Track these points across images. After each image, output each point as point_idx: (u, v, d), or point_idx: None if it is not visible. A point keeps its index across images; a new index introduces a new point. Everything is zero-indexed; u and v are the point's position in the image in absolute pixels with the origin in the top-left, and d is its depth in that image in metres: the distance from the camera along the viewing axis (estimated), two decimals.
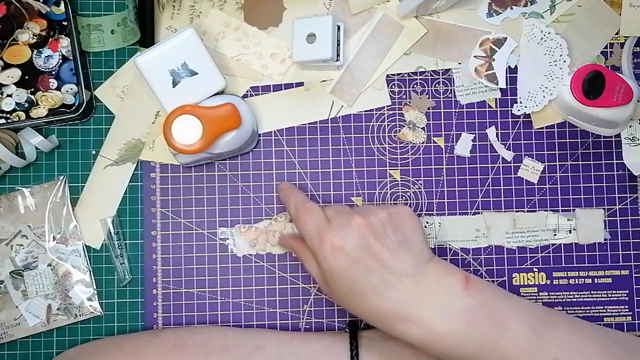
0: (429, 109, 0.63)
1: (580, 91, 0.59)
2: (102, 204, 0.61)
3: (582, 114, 0.60)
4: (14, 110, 0.58)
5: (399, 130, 0.62)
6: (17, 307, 0.60)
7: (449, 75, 0.63)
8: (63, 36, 0.59)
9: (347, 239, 0.50)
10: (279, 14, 0.63)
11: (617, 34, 0.63)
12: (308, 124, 0.62)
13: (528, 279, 0.62)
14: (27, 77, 0.58)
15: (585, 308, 0.62)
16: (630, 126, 0.63)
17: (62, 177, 0.61)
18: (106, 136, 0.61)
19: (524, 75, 0.62)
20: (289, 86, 0.62)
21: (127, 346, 0.56)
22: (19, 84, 0.58)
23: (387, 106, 0.62)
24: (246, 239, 0.61)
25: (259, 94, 0.62)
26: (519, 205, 0.62)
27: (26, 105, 0.58)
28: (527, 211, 0.62)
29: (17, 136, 0.60)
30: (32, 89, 0.58)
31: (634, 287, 0.62)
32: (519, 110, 0.62)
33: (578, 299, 0.62)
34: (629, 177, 0.63)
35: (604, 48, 0.63)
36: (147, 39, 0.60)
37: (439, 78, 0.63)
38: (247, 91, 0.62)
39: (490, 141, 0.62)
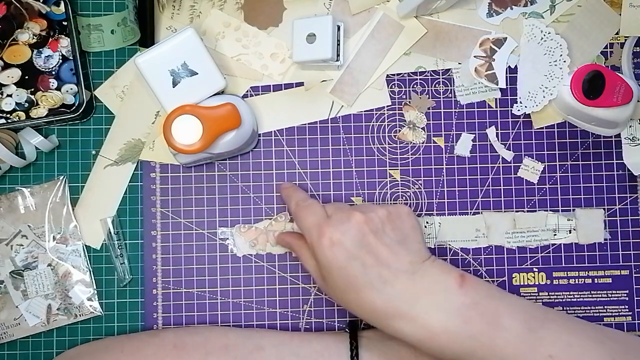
0: (429, 109, 0.63)
1: (580, 91, 0.59)
2: (102, 204, 0.61)
3: (582, 114, 0.60)
4: (14, 110, 0.58)
5: (399, 130, 0.62)
6: (17, 307, 0.60)
7: (449, 75, 0.63)
8: (63, 36, 0.59)
9: (346, 234, 0.51)
10: (279, 14, 0.63)
11: (617, 34, 0.63)
12: (308, 124, 0.62)
13: (528, 279, 0.62)
14: (27, 77, 0.58)
15: (585, 308, 0.62)
16: (630, 126, 0.63)
17: (62, 177, 0.61)
18: (106, 136, 0.61)
19: (524, 75, 0.62)
20: (289, 86, 0.62)
21: (127, 346, 0.56)
22: (19, 84, 0.58)
23: (387, 106, 0.62)
24: (246, 239, 0.61)
25: (259, 94, 0.62)
26: (519, 205, 0.62)
27: (26, 105, 0.58)
28: (527, 211, 0.62)
29: (17, 136, 0.60)
30: (32, 89, 0.58)
31: (634, 287, 0.62)
32: (519, 110, 0.62)
33: (578, 299, 0.62)
34: (629, 177, 0.63)
35: (604, 48, 0.63)
36: (147, 39, 0.60)
37: (439, 78, 0.63)
38: (247, 91, 0.62)
39: (490, 141, 0.63)
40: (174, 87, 0.57)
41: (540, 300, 0.62)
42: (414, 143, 0.62)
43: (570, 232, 0.62)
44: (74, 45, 0.59)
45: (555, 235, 0.62)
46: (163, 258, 0.61)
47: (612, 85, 0.59)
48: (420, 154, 0.62)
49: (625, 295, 0.62)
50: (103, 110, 0.62)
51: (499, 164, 0.62)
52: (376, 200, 0.62)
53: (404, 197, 0.62)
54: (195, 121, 0.54)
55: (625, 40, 0.63)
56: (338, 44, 0.60)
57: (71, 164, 0.61)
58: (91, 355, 0.57)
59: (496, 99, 0.63)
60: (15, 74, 0.58)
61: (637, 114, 0.62)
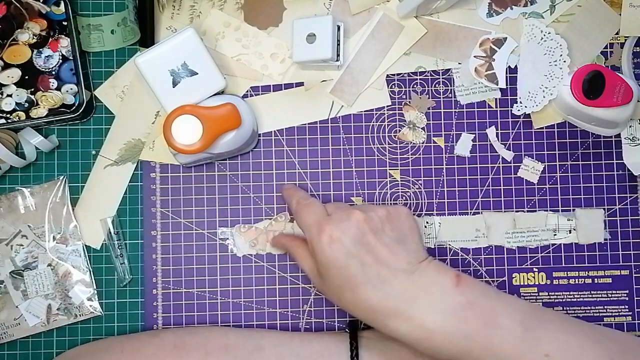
0: (429, 109, 0.63)
1: (580, 91, 0.59)
2: (102, 204, 0.61)
3: (582, 114, 0.60)
4: (14, 110, 0.58)
5: (399, 130, 0.62)
6: (17, 307, 0.60)
7: (449, 75, 0.63)
8: (63, 36, 0.59)
9: (346, 232, 0.51)
10: (279, 14, 0.63)
11: (617, 34, 0.63)
12: (308, 124, 0.62)
13: (528, 279, 0.62)
14: (27, 77, 0.58)
15: (585, 308, 0.62)
16: (630, 126, 0.63)
17: (62, 177, 0.61)
18: (106, 136, 0.61)
19: (524, 75, 0.62)
20: (289, 86, 0.62)
21: (127, 347, 0.56)
22: (19, 84, 0.58)
23: (387, 106, 0.62)
24: (246, 239, 0.61)
25: (259, 94, 0.62)
26: (519, 205, 0.62)
27: (26, 105, 0.58)
28: (527, 211, 0.62)
29: (17, 136, 0.60)
30: (32, 89, 0.58)
31: (634, 287, 0.62)
32: (519, 110, 0.62)
33: (578, 299, 0.62)
34: (629, 177, 0.63)
35: (604, 48, 0.63)
36: (147, 39, 0.60)
37: (439, 78, 0.63)
38: (247, 91, 0.62)
39: (490, 141, 0.63)
40: (174, 87, 0.57)
41: (540, 300, 0.62)
42: (414, 143, 0.62)
43: (570, 232, 0.62)
44: (74, 45, 0.59)
45: (555, 235, 0.62)
46: (163, 258, 0.61)
47: (612, 85, 0.59)
48: (420, 154, 0.62)
49: (625, 295, 0.62)
50: (103, 110, 0.62)
51: (499, 164, 0.62)
52: (376, 200, 0.62)
53: (404, 197, 0.62)
54: (195, 121, 0.54)
55: (625, 40, 0.63)
56: (338, 44, 0.60)
57: (71, 164, 0.61)
58: (91, 356, 0.57)
59: (496, 99, 0.63)
60: (15, 74, 0.58)
61: (637, 114, 0.62)
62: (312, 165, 0.62)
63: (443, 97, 0.63)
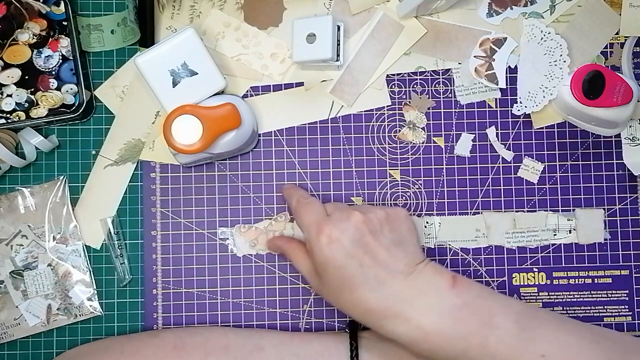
0: (429, 109, 0.63)
1: (580, 91, 0.59)
2: (102, 204, 0.61)
3: (582, 114, 0.60)
4: (14, 110, 0.58)
5: (399, 130, 0.62)
6: (17, 307, 0.60)
7: (449, 75, 0.63)
8: (63, 36, 0.59)
9: (345, 233, 0.51)
10: (279, 14, 0.63)
11: (617, 34, 0.63)
12: (308, 124, 0.62)
13: (528, 279, 0.62)
14: (27, 77, 0.58)
15: (585, 308, 0.62)
16: (630, 126, 0.63)
17: (62, 177, 0.61)
18: (106, 136, 0.61)
19: (524, 75, 0.62)
20: (289, 86, 0.62)
21: (127, 347, 0.56)
22: (19, 84, 0.58)
23: (387, 106, 0.62)
24: (246, 239, 0.61)
25: (259, 94, 0.62)
26: (519, 205, 0.62)
27: (26, 105, 0.58)
28: (527, 211, 0.62)
29: (17, 136, 0.60)
30: (32, 89, 0.58)
31: (634, 287, 0.62)
32: (519, 110, 0.62)
33: (578, 299, 0.62)
34: (629, 177, 0.63)
35: (604, 48, 0.63)
36: (147, 39, 0.60)
37: (439, 78, 0.63)
38: (247, 91, 0.62)
39: (490, 141, 0.63)
40: (174, 87, 0.57)
41: (540, 300, 0.62)
42: (414, 143, 0.62)
43: (570, 232, 0.62)
44: (74, 45, 0.59)
45: (555, 235, 0.62)
46: (163, 258, 0.61)
47: (612, 85, 0.59)
48: (420, 154, 0.62)
49: (625, 295, 0.62)
50: (103, 110, 0.62)
51: (499, 164, 0.62)
52: (376, 201, 0.62)
53: (404, 197, 0.62)
54: (195, 121, 0.54)
55: (625, 40, 0.63)
56: (338, 44, 0.60)
57: (71, 164, 0.61)
58: (91, 356, 0.57)
59: (496, 99, 0.63)
60: (15, 74, 0.58)
61: (637, 114, 0.62)
62: (312, 165, 0.62)
63: (443, 97, 0.63)
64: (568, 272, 0.62)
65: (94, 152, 0.61)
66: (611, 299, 0.62)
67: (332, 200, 0.62)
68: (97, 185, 0.61)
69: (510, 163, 0.62)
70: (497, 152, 0.62)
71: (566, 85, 0.60)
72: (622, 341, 0.53)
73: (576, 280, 0.62)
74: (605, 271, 0.62)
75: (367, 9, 0.62)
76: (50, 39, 0.58)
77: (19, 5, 0.58)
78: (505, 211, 0.62)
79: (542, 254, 0.62)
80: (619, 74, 0.60)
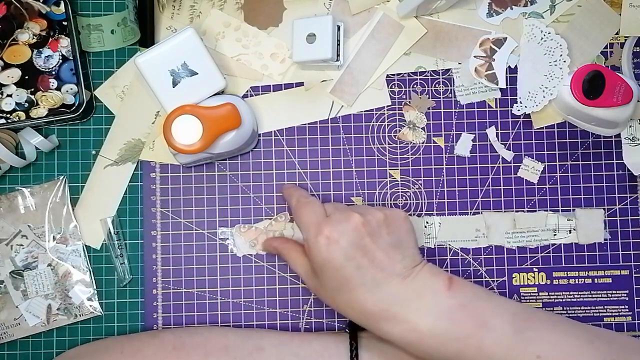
0: (429, 109, 0.63)
1: (580, 91, 0.59)
2: (102, 204, 0.61)
3: (582, 114, 0.60)
4: (14, 110, 0.58)
5: (399, 130, 0.62)
6: (17, 307, 0.60)
7: (449, 75, 0.63)
8: (63, 36, 0.59)
9: (344, 234, 0.51)
10: (279, 14, 0.63)
11: (617, 34, 0.63)
12: (308, 124, 0.62)
13: (528, 279, 0.62)
14: (27, 77, 0.58)
15: (585, 308, 0.62)
16: (630, 126, 0.63)
17: (62, 177, 0.61)
18: (106, 136, 0.61)
19: (524, 75, 0.62)
20: (289, 86, 0.62)
21: (127, 347, 0.56)
22: (19, 84, 0.58)
23: (387, 106, 0.62)
24: (246, 239, 0.61)
25: (259, 94, 0.62)
26: (519, 205, 0.62)
27: (26, 105, 0.58)
28: (527, 211, 0.62)
29: (17, 136, 0.60)
30: (32, 89, 0.58)
31: (634, 287, 0.62)
32: (519, 110, 0.62)
33: (578, 299, 0.62)
34: (629, 177, 0.63)
35: (604, 48, 0.63)
36: (147, 39, 0.60)
37: (439, 78, 0.63)
38: (247, 91, 0.62)
39: (490, 141, 0.62)
40: (174, 87, 0.57)
41: (540, 300, 0.62)
42: (414, 143, 0.62)
43: (570, 232, 0.62)
44: (74, 45, 0.59)
45: (555, 235, 0.62)
46: (163, 258, 0.61)
47: (612, 85, 0.59)
48: (420, 154, 0.62)
49: (625, 295, 0.62)
50: (103, 110, 0.62)
51: (499, 164, 0.62)
52: (376, 201, 0.62)
53: (404, 197, 0.62)
54: (195, 121, 0.54)
55: (625, 40, 0.63)
56: (338, 44, 0.60)
57: (71, 164, 0.61)
58: (91, 356, 0.57)
59: (496, 99, 0.63)
60: (15, 74, 0.58)
61: (637, 114, 0.62)
62: (312, 165, 0.62)
63: (443, 97, 0.63)
64: (568, 272, 0.62)
65: (94, 152, 0.61)
66: (611, 299, 0.62)
67: (332, 200, 0.62)
68: (97, 185, 0.61)
69: (510, 163, 0.62)
70: (497, 152, 0.62)
71: (566, 85, 0.60)
72: (618, 341, 0.53)
73: (576, 280, 0.62)
74: (605, 271, 0.62)
75: (367, 9, 0.62)
76: (50, 39, 0.58)
77: (19, 5, 0.58)
78: (505, 211, 0.62)
79: (542, 254, 0.62)
80: (619, 74, 0.60)
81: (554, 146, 0.63)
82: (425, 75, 0.63)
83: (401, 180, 0.62)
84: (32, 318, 0.60)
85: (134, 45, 0.61)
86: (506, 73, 0.62)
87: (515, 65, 0.63)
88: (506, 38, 0.63)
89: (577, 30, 0.63)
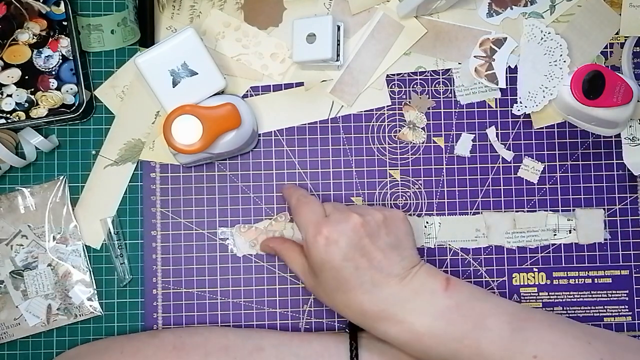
0: (429, 109, 0.63)
1: (580, 91, 0.59)
2: (102, 204, 0.61)
3: (582, 114, 0.60)
4: (14, 110, 0.58)
5: (399, 130, 0.62)
6: (17, 307, 0.60)
7: (449, 75, 0.63)
8: (63, 36, 0.59)
9: (343, 235, 0.51)
10: (279, 14, 0.63)
11: (617, 34, 0.63)
12: (308, 124, 0.62)
13: (528, 279, 0.62)
14: (27, 77, 0.58)
15: (585, 308, 0.62)
16: (630, 126, 0.63)
17: (62, 177, 0.61)
18: (106, 136, 0.61)
19: (524, 75, 0.62)
20: (289, 86, 0.62)
21: (127, 347, 0.56)
22: (19, 84, 0.58)
23: (387, 106, 0.62)
24: (246, 239, 0.61)
25: (259, 94, 0.62)
26: (519, 205, 0.62)
27: (26, 105, 0.58)
28: (527, 211, 0.62)
29: (17, 136, 0.60)
30: (32, 89, 0.58)
31: (634, 287, 0.62)
32: (519, 110, 0.62)
33: (578, 299, 0.62)
34: (629, 177, 0.63)
35: (604, 48, 0.63)
36: (147, 39, 0.60)
37: (439, 78, 0.63)
38: (247, 91, 0.62)
39: (490, 141, 0.62)
40: (174, 87, 0.57)
41: (540, 300, 0.62)
42: (414, 143, 0.62)
43: (570, 232, 0.62)
44: (74, 45, 0.59)
45: (555, 235, 0.62)
46: (163, 258, 0.61)
47: (612, 85, 0.59)
48: (420, 154, 0.62)
49: (625, 295, 0.62)
50: (103, 110, 0.62)
51: (499, 164, 0.62)
52: (376, 201, 0.62)
53: (404, 197, 0.62)
54: (195, 121, 0.54)
55: (625, 40, 0.63)
56: (338, 44, 0.60)
57: (71, 164, 0.61)
58: (91, 356, 0.57)
59: (496, 99, 0.63)
60: (15, 74, 0.58)
61: (637, 114, 0.62)
62: (312, 165, 0.62)
63: (443, 97, 0.63)
64: (568, 272, 0.62)
65: (94, 152, 0.61)
66: (611, 299, 0.62)
67: (332, 200, 0.62)
68: (97, 185, 0.61)
69: (510, 163, 0.62)
70: (497, 152, 0.62)
71: (566, 85, 0.60)
72: (616, 341, 0.53)
73: (576, 280, 0.62)
74: (605, 271, 0.62)
75: (367, 9, 0.62)
76: (50, 39, 0.58)
77: (19, 5, 0.58)
78: (505, 211, 0.62)
79: (542, 254, 0.62)
80: (619, 74, 0.60)
81: (554, 146, 0.63)
82: (425, 75, 0.63)
83: (401, 180, 0.62)
84: (32, 318, 0.60)
85: (134, 45, 0.61)
86: (506, 73, 0.62)
87: (515, 65, 0.63)
88: (506, 38, 0.63)
89: (577, 30, 0.63)
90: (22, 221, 0.60)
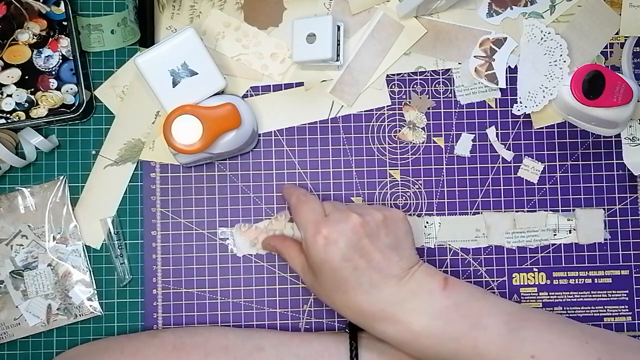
0: (429, 109, 0.63)
1: (580, 91, 0.59)
2: (102, 204, 0.61)
3: (582, 114, 0.60)
4: (14, 110, 0.58)
5: (399, 130, 0.62)
6: (17, 307, 0.60)
7: (449, 75, 0.63)
8: (63, 36, 0.59)
9: (342, 235, 0.51)
10: (279, 14, 0.63)
11: (617, 34, 0.63)
12: (308, 124, 0.62)
13: (528, 279, 0.62)
14: (27, 77, 0.58)
15: (585, 308, 0.62)
16: (630, 126, 0.63)
17: (62, 177, 0.61)
18: (106, 136, 0.61)
19: (524, 75, 0.62)
20: (289, 86, 0.62)
21: (127, 347, 0.56)
22: (19, 84, 0.58)
23: (387, 106, 0.62)
24: (246, 239, 0.61)
25: (259, 94, 0.62)
26: (519, 205, 0.62)
27: (26, 105, 0.58)
28: (527, 211, 0.62)
29: (17, 136, 0.60)
30: (32, 89, 0.58)
31: (634, 287, 0.62)
32: (519, 110, 0.62)
33: (578, 299, 0.62)
34: (629, 177, 0.63)
35: (604, 48, 0.63)
36: (147, 39, 0.60)
37: (439, 78, 0.63)
38: (247, 91, 0.62)
39: (490, 141, 0.62)
40: (174, 87, 0.57)
41: (540, 300, 0.62)
42: (414, 143, 0.62)
43: (570, 232, 0.62)
44: (74, 45, 0.59)
45: (555, 235, 0.62)
46: (163, 258, 0.61)
47: (612, 85, 0.59)
48: (420, 154, 0.62)
49: (625, 295, 0.62)
50: (103, 110, 0.62)
51: (499, 164, 0.62)
52: (376, 200, 0.62)
53: (404, 197, 0.62)
54: (195, 121, 0.54)
55: (625, 40, 0.63)
56: (338, 44, 0.60)
57: (71, 164, 0.61)
58: (91, 356, 0.57)
59: (496, 99, 0.63)
60: (15, 74, 0.58)
61: (637, 114, 0.62)
62: (312, 165, 0.62)
63: (443, 97, 0.63)
64: (568, 272, 0.62)
65: (94, 152, 0.61)
66: (611, 299, 0.62)
67: (332, 200, 0.62)
68: (97, 185, 0.61)
69: (510, 163, 0.62)
70: (497, 152, 0.62)
71: (566, 85, 0.60)
72: (614, 341, 0.53)
73: (576, 280, 0.62)
74: (605, 271, 0.62)
75: (367, 9, 0.62)
76: (50, 39, 0.58)
77: (19, 5, 0.58)
78: (505, 211, 0.62)
79: (542, 254, 0.62)
80: (619, 74, 0.60)
81: (554, 146, 0.63)
82: (425, 75, 0.63)
83: (401, 180, 0.62)
84: (32, 318, 0.60)
85: (134, 45, 0.61)
86: (506, 73, 0.62)
87: (515, 65, 0.63)
88: (506, 38, 0.63)
89: (577, 30, 0.63)
90: (22, 221, 0.60)
